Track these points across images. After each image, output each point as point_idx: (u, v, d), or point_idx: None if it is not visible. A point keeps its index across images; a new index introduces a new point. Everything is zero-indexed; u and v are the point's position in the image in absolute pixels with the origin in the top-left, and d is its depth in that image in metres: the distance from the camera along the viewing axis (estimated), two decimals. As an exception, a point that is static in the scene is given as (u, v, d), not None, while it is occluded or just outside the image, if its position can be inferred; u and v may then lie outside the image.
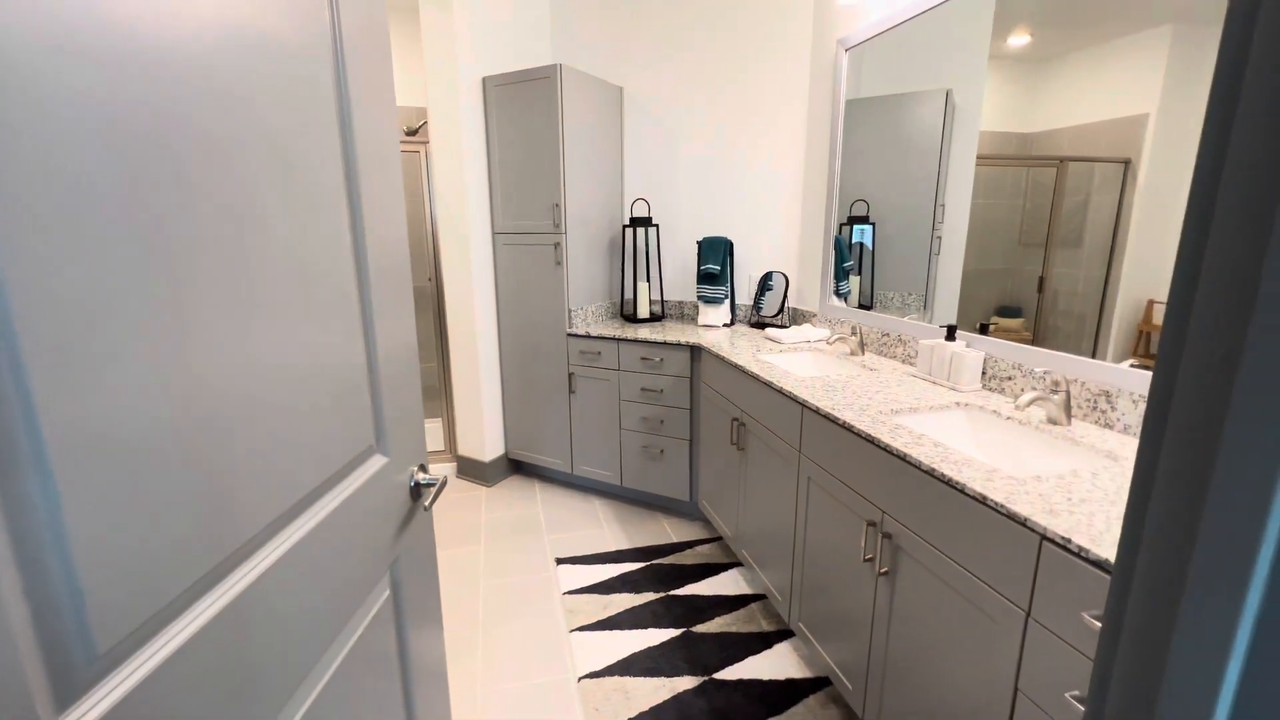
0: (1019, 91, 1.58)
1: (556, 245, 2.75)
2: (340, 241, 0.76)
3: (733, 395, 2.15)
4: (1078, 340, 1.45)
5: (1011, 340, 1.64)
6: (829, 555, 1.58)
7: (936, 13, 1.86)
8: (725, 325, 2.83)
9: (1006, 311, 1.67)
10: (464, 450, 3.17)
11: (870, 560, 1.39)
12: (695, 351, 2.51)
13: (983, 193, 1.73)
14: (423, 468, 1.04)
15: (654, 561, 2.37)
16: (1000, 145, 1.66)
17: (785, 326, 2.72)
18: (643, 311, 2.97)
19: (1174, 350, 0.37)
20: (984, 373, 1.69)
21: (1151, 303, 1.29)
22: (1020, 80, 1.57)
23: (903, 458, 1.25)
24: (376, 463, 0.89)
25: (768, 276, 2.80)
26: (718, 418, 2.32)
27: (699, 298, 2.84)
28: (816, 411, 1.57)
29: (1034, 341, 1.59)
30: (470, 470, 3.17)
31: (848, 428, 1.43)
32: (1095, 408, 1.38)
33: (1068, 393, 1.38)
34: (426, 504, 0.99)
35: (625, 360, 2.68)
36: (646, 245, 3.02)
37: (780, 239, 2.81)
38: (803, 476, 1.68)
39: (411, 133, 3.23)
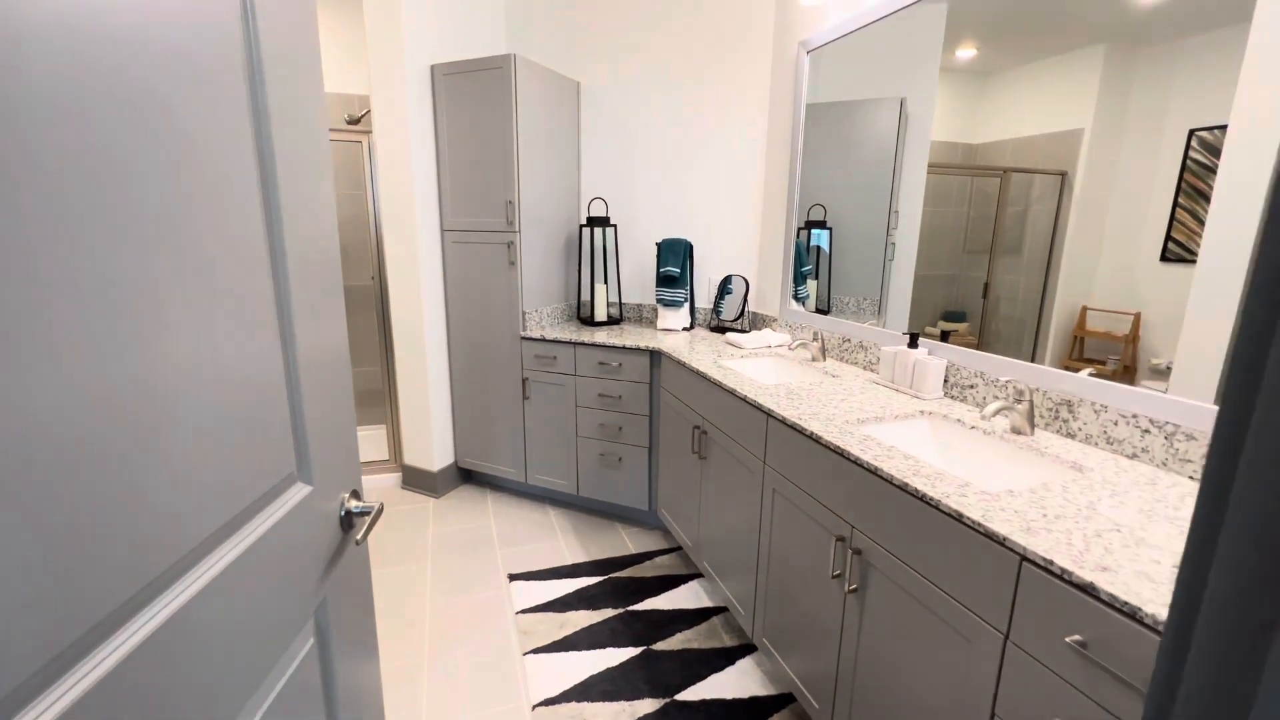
0: (965, 103, 1.61)
1: (510, 244, 2.62)
2: (250, 228, 0.64)
3: (694, 402, 2.09)
4: (1018, 344, 1.49)
5: (957, 344, 1.67)
6: (794, 569, 1.53)
7: (894, 20, 1.86)
8: (685, 329, 2.77)
9: (952, 316, 1.70)
10: (410, 459, 3.00)
11: (839, 576, 1.34)
12: (655, 356, 2.43)
13: (930, 200, 1.77)
14: (355, 494, 0.92)
15: (612, 575, 2.28)
16: (947, 155, 1.69)
17: (745, 331, 2.69)
18: (600, 314, 2.88)
19: (1253, 360, 0.31)
20: (946, 380, 1.68)
21: (1085, 309, 1.33)
22: (966, 93, 1.60)
23: (873, 471, 1.20)
24: (298, 493, 0.77)
25: (727, 280, 2.75)
26: (678, 425, 2.25)
27: (658, 301, 2.77)
28: (782, 421, 1.52)
29: (979, 345, 1.62)
30: (417, 480, 2.99)
31: (815, 439, 1.39)
32: (1057, 417, 1.38)
33: (1031, 402, 1.37)
34: (359, 537, 0.87)
35: (582, 365, 2.58)
36: (604, 246, 2.93)
37: (740, 242, 2.77)
38: (767, 488, 1.63)
39: (354, 122, 3.04)
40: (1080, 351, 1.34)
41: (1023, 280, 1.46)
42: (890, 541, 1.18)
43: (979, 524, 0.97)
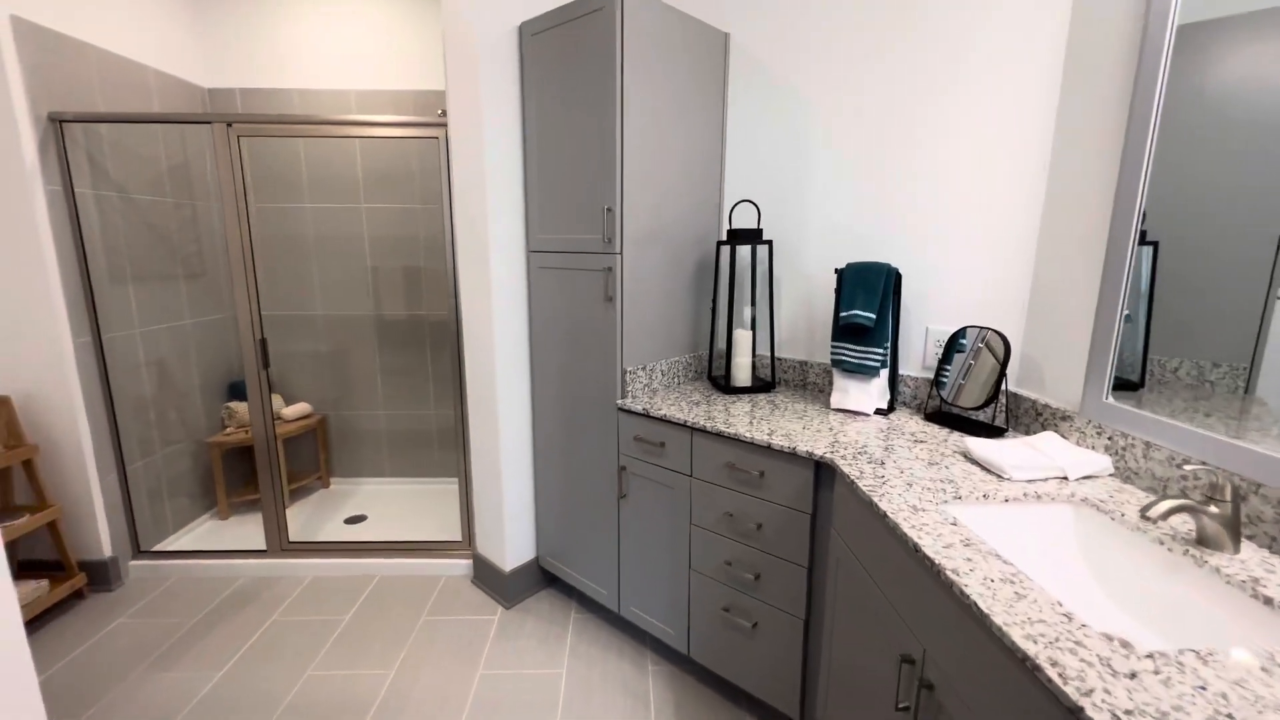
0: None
1: (608, 270, 1.78)
2: None
3: (901, 600, 1.02)
4: None
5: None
6: None
7: None
8: (879, 412, 1.68)
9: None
10: (482, 547, 2.29)
11: None
12: (822, 471, 1.40)
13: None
14: None
15: None
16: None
17: (1002, 430, 1.51)
18: (741, 376, 1.91)
19: None
20: None
21: None
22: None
23: None
24: None
25: (960, 334, 1.61)
26: (863, 623, 1.19)
27: (834, 362, 1.72)
28: None
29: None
30: (487, 577, 2.28)
31: None
32: None
33: None
34: None
35: (701, 461, 1.63)
36: (753, 273, 1.96)
37: (990, 269, 1.60)
38: None
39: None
40: None
41: None
42: None
43: None
